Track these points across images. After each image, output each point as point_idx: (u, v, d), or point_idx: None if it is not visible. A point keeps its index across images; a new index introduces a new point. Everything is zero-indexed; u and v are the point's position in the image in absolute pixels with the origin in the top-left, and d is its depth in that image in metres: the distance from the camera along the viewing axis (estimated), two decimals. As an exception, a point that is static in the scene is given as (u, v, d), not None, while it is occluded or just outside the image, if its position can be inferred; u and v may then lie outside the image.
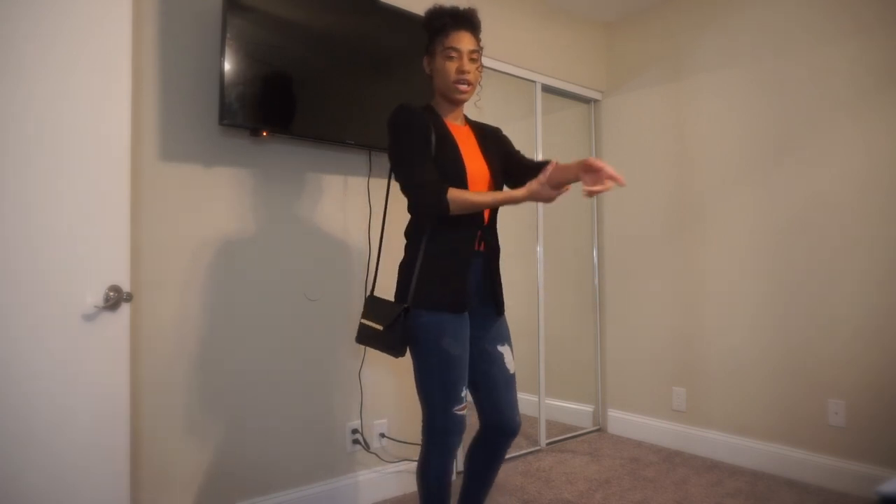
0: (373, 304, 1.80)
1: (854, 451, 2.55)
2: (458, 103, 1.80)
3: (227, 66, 1.96)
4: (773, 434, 2.82)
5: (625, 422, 3.45)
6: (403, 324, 1.68)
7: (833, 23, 2.66)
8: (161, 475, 1.96)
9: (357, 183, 2.48)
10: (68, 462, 1.44)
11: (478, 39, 1.78)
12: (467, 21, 1.75)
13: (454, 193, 1.63)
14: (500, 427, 1.80)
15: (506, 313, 1.87)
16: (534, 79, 3.26)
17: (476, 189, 1.72)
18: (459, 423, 1.70)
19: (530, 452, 3.14)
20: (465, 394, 1.70)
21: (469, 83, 1.74)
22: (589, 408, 3.59)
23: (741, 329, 2.95)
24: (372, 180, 2.52)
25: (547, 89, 3.36)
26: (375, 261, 2.00)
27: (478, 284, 1.77)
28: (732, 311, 2.99)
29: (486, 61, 2.94)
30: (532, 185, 1.67)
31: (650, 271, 3.36)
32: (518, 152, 1.93)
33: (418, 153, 1.67)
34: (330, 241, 2.40)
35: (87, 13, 1.47)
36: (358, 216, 2.48)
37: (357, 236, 2.48)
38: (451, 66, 1.72)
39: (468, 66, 1.72)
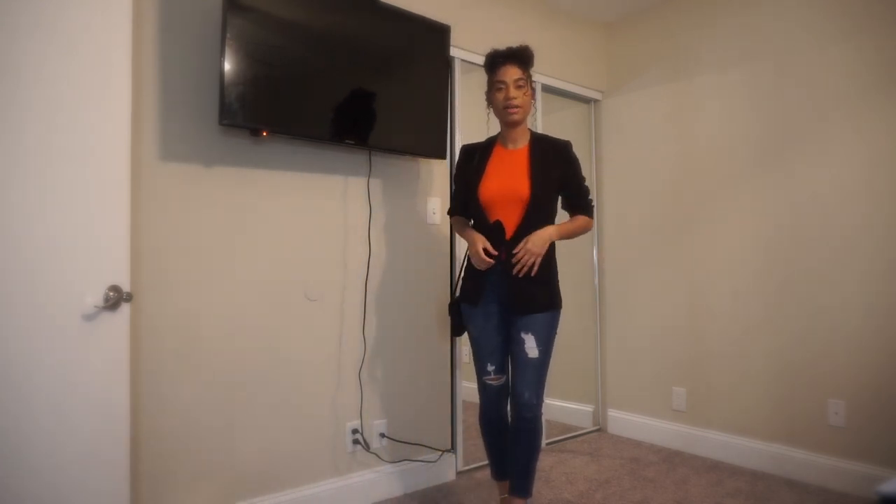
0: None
1: (854, 451, 2.55)
2: (512, 125, 2.10)
3: (227, 66, 1.96)
4: (773, 434, 2.82)
5: (625, 422, 3.45)
6: (455, 312, 2.25)
7: (833, 23, 2.66)
8: (161, 475, 1.96)
9: (357, 183, 2.48)
10: (68, 460, 1.44)
11: (524, 70, 2.06)
12: (512, 55, 2.05)
13: (454, 221, 2.32)
14: (512, 400, 2.12)
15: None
16: (534, 79, 3.25)
17: (504, 206, 2.05)
18: (487, 389, 2.18)
19: (530, 452, 3.14)
20: (493, 369, 2.13)
21: (516, 106, 2.03)
22: (589, 408, 3.59)
23: (741, 329, 2.95)
24: (372, 180, 2.52)
25: (547, 89, 3.36)
26: (461, 264, 2.31)
27: (500, 287, 2.06)
28: (732, 311, 2.99)
29: (486, 61, 2.94)
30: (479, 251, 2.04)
31: (650, 271, 3.36)
32: (568, 178, 2.12)
33: (455, 185, 2.37)
34: (330, 241, 2.40)
35: (87, 13, 1.47)
36: (358, 216, 2.48)
37: (357, 236, 2.48)
38: (500, 96, 2.06)
39: (514, 92, 2.03)
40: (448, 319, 2.51)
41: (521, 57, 2.06)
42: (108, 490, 1.50)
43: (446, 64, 2.61)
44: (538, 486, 2.65)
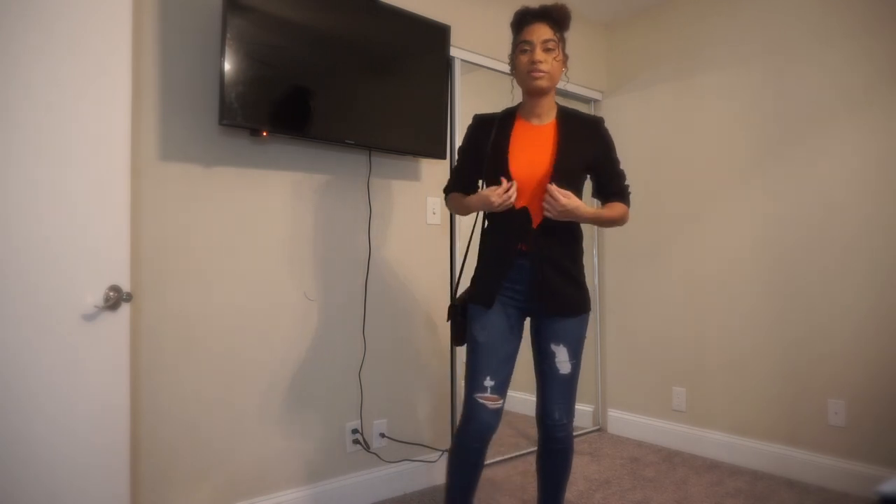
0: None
1: (854, 451, 2.55)
2: (536, 93, 1.79)
3: (227, 66, 1.96)
4: (773, 434, 2.82)
5: (625, 422, 3.45)
6: (455, 318, 1.89)
7: (835, 21, 2.66)
8: (161, 475, 1.96)
9: (357, 183, 2.48)
10: (68, 461, 1.44)
11: (557, 31, 1.76)
12: (543, 14, 1.75)
13: (451, 198, 1.98)
14: (540, 420, 1.86)
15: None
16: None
17: (530, 190, 1.75)
18: (479, 410, 1.75)
19: (530, 452, 3.14)
20: (492, 385, 1.76)
21: (542, 71, 1.72)
22: (589, 408, 3.59)
23: (741, 329, 2.95)
24: (372, 180, 2.52)
25: (547, 89, 3.36)
26: (463, 256, 2.06)
27: (528, 284, 1.78)
28: (733, 311, 2.99)
29: (486, 62, 2.94)
30: (484, 195, 1.76)
31: (650, 271, 3.36)
32: (602, 159, 1.85)
33: (458, 162, 2.00)
34: (330, 241, 2.40)
35: (87, 13, 1.47)
36: (358, 216, 2.48)
37: (357, 236, 2.48)
38: (524, 59, 1.75)
39: (541, 55, 1.72)
40: (442, 324, 2.36)
41: (554, 16, 1.75)
42: (107, 490, 1.50)
43: (446, 64, 2.61)
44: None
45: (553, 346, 1.79)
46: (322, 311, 2.37)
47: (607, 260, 3.59)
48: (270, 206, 2.24)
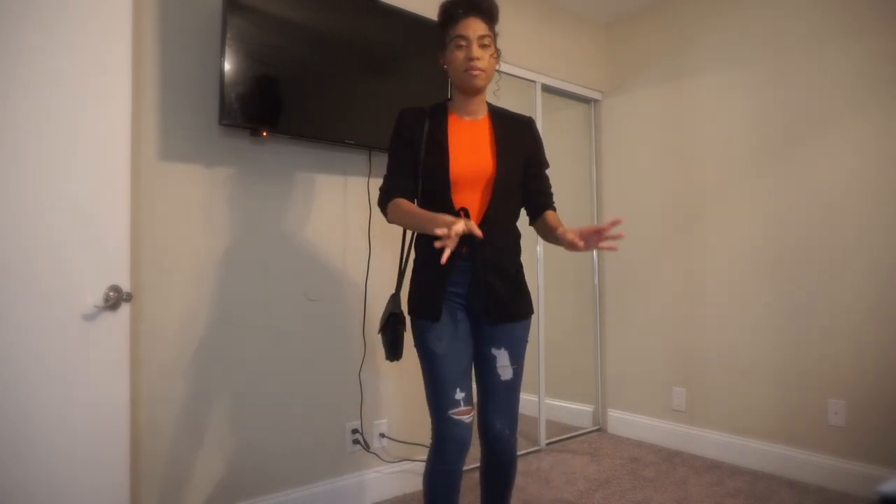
0: (388, 303, 1.86)
1: (854, 451, 2.55)
2: (472, 91, 1.70)
3: (227, 66, 1.96)
4: (773, 434, 2.82)
5: (625, 422, 3.45)
6: (393, 328, 1.73)
7: (835, 21, 2.66)
8: (161, 475, 1.96)
9: (357, 183, 2.48)
10: (68, 460, 1.44)
11: (490, 26, 1.69)
12: (475, 7, 1.67)
13: (396, 205, 1.66)
14: (481, 432, 1.73)
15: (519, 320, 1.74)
16: (534, 79, 3.26)
17: (469, 189, 1.66)
18: (455, 427, 1.62)
19: (530, 452, 3.14)
20: (463, 397, 1.62)
21: (480, 69, 1.64)
22: (589, 408, 3.59)
23: (741, 329, 2.95)
24: (372, 180, 2.52)
25: (547, 89, 3.36)
26: (401, 258, 1.90)
27: (469, 286, 1.68)
28: (732, 311, 2.99)
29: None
30: (451, 227, 1.41)
31: (650, 271, 3.36)
32: (535, 161, 1.79)
33: (394, 158, 1.73)
34: (330, 241, 2.40)
35: (87, 13, 1.47)
36: (358, 216, 2.48)
37: (357, 236, 2.48)
38: (460, 55, 1.66)
39: (477, 52, 1.64)
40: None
41: (484, 9, 1.67)
42: (107, 490, 1.50)
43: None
44: (538, 486, 2.65)
45: (493, 350, 1.69)
46: (322, 310, 2.36)
47: (607, 260, 3.59)
48: (270, 207, 2.24)
